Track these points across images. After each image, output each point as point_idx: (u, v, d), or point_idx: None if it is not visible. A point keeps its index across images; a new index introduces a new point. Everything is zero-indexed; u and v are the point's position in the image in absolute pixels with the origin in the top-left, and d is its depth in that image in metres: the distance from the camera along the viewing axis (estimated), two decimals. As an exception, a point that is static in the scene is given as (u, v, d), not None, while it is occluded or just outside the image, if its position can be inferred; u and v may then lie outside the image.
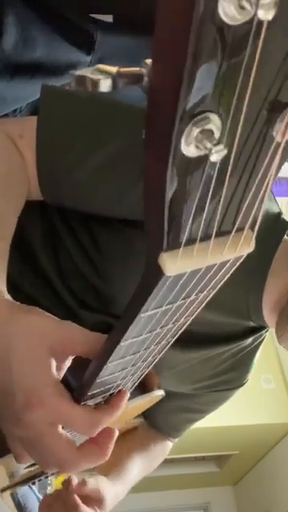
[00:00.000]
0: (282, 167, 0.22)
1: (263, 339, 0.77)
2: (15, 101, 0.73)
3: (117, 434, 0.46)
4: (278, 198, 0.69)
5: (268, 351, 2.64)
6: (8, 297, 0.47)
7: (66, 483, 0.73)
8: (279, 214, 0.66)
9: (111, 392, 0.46)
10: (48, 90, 0.55)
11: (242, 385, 0.84)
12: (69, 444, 0.42)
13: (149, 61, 0.17)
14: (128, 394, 0.47)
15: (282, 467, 2.92)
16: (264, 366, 2.64)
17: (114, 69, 0.17)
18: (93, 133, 0.55)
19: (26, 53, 0.67)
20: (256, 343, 0.76)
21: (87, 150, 0.54)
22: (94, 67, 0.16)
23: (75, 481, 0.71)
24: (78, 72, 0.16)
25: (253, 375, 0.83)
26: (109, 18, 0.71)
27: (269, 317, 0.66)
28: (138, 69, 0.17)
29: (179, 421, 0.93)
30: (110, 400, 0.46)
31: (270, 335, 0.77)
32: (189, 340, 0.70)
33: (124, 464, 0.89)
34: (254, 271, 0.63)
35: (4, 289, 0.47)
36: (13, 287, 0.62)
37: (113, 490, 0.79)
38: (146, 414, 0.93)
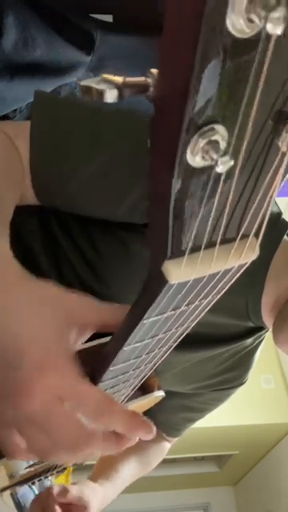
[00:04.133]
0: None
1: (263, 339, 0.77)
2: (15, 101, 0.73)
3: (134, 442, 0.42)
4: (278, 198, 0.69)
5: (268, 351, 2.64)
6: (17, 264, 0.43)
7: (48, 490, 0.74)
8: (279, 214, 0.65)
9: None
10: (40, 98, 0.54)
11: (242, 383, 0.83)
12: (80, 421, 0.38)
13: (154, 70, 0.17)
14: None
15: (282, 467, 2.92)
16: (264, 366, 2.64)
17: (119, 79, 0.16)
18: (85, 141, 0.54)
19: (25, 53, 0.67)
20: (256, 343, 0.76)
21: (80, 158, 0.54)
22: (100, 77, 0.16)
23: (56, 489, 0.72)
24: (84, 82, 0.16)
25: (253, 375, 0.83)
26: (109, 18, 0.71)
27: (268, 317, 0.65)
28: (143, 79, 0.17)
29: (179, 420, 0.93)
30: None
31: (270, 335, 0.77)
32: (188, 341, 0.70)
33: (116, 466, 0.90)
34: (253, 272, 0.63)
35: (12, 257, 0.43)
36: None
37: (100, 493, 0.80)
38: (146, 413, 0.93)
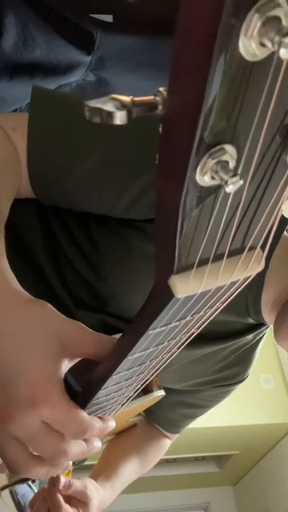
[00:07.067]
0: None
1: (264, 335, 0.77)
2: (15, 101, 0.73)
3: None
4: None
5: (268, 351, 2.65)
6: (15, 285, 0.43)
7: (52, 482, 0.74)
8: None
9: (114, 400, 0.47)
10: (38, 93, 0.53)
11: (242, 380, 0.83)
12: (61, 437, 0.41)
13: (162, 89, 0.17)
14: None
15: (282, 467, 2.92)
16: (264, 366, 2.64)
17: (128, 98, 0.16)
18: (82, 138, 0.53)
19: (25, 53, 0.67)
20: (257, 339, 0.76)
21: (77, 155, 0.53)
22: (108, 97, 0.16)
23: (62, 481, 0.72)
24: (92, 103, 0.16)
25: (253, 375, 0.83)
26: (109, 18, 0.71)
27: (267, 314, 0.65)
28: (152, 97, 0.17)
29: (179, 416, 0.93)
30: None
31: (270, 335, 0.77)
32: None
33: (116, 466, 0.90)
34: None
35: (11, 276, 0.44)
36: None
37: (102, 494, 0.80)
38: (146, 411, 0.93)
